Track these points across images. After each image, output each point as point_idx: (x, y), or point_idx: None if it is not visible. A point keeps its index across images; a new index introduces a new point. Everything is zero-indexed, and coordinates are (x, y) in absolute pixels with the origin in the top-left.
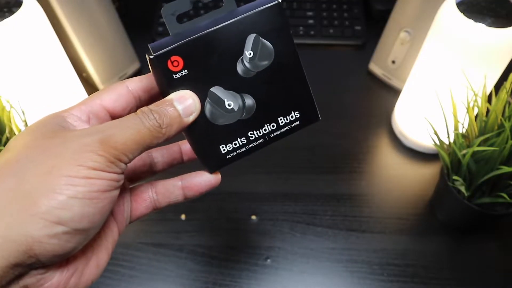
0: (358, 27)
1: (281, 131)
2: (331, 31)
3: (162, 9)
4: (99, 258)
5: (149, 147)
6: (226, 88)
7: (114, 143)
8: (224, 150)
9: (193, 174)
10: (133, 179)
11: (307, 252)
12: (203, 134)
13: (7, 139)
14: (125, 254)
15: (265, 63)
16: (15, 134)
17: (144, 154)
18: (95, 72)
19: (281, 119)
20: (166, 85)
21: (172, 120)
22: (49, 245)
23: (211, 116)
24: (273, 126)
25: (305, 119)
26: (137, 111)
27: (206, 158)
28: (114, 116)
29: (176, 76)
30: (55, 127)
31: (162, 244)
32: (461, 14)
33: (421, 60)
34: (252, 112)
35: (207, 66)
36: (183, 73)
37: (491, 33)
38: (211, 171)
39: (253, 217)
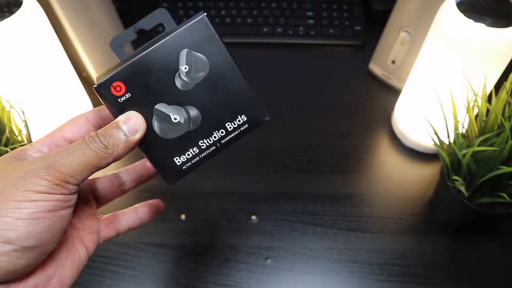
0: (358, 27)
1: (231, 136)
2: (331, 31)
3: (110, 43)
4: (63, 276)
5: (98, 168)
6: (169, 103)
7: (59, 167)
8: (179, 162)
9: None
10: (103, 200)
11: (307, 252)
12: (156, 149)
13: (7, 139)
14: (125, 254)
15: (202, 74)
16: (15, 134)
17: (111, 175)
18: (95, 72)
19: (228, 125)
20: (114, 109)
21: (117, 140)
22: (1, 263)
23: (160, 132)
24: (222, 132)
25: (253, 121)
26: (85, 136)
27: (164, 172)
28: None
29: (121, 100)
30: (11, 159)
31: (162, 244)
32: (461, 14)
33: (421, 60)
34: (198, 122)
35: (148, 86)
36: (127, 96)
37: (491, 33)
38: (171, 183)
39: (253, 217)
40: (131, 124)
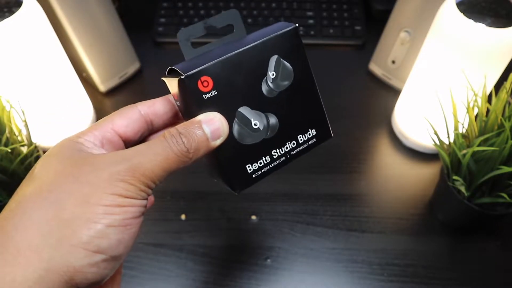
0: (358, 27)
1: (300, 148)
2: (331, 31)
3: (178, 34)
4: (115, 280)
5: (175, 171)
6: (252, 108)
7: (143, 171)
8: (250, 169)
9: None
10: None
11: (307, 252)
12: (230, 154)
13: (7, 139)
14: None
15: (286, 83)
16: (15, 134)
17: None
18: (95, 72)
19: (300, 137)
20: (196, 105)
21: (199, 144)
22: (90, 274)
23: (238, 136)
24: (293, 144)
25: (320, 136)
26: (165, 133)
27: (232, 179)
28: (126, 141)
29: (206, 97)
30: (79, 153)
31: (162, 244)
32: (461, 14)
33: (421, 60)
34: (275, 131)
35: (234, 86)
36: (213, 94)
37: (491, 33)
38: (238, 191)
39: (253, 217)
40: (215, 127)
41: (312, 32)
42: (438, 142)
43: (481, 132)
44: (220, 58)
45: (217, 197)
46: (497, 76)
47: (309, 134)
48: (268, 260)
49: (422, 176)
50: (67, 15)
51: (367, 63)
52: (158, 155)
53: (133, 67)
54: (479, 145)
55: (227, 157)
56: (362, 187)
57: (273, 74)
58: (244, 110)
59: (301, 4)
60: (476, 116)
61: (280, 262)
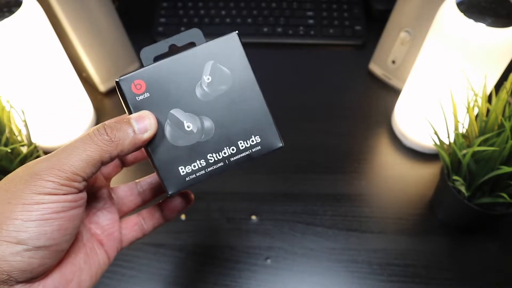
0: (358, 27)
1: (241, 155)
2: (331, 31)
3: (141, 52)
4: (81, 280)
5: (102, 162)
6: (185, 111)
7: (61, 166)
8: (183, 172)
9: (169, 199)
10: (124, 208)
11: (307, 252)
12: (163, 155)
13: (7, 139)
14: (125, 254)
15: (223, 87)
16: (14, 134)
17: (132, 184)
18: (95, 72)
19: (240, 143)
20: (129, 106)
21: (124, 135)
22: (15, 262)
23: (171, 138)
24: (232, 149)
25: (266, 145)
26: (91, 129)
27: (166, 179)
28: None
29: (138, 98)
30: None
31: (162, 244)
32: (461, 14)
33: (421, 60)
34: (211, 135)
35: (167, 90)
36: (145, 96)
37: (491, 33)
38: (170, 192)
39: (253, 217)
40: (143, 123)
41: (312, 32)
42: (438, 142)
43: (481, 132)
44: (155, 64)
45: (217, 197)
46: (497, 76)
47: (252, 141)
48: (268, 260)
49: (422, 176)
50: (67, 15)
51: (367, 63)
52: (77, 148)
53: (133, 67)
54: (479, 145)
55: (160, 158)
56: (362, 187)
57: (208, 79)
58: (176, 112)
59: (301, 4)
60: (476, 116)
61: (280, 262)
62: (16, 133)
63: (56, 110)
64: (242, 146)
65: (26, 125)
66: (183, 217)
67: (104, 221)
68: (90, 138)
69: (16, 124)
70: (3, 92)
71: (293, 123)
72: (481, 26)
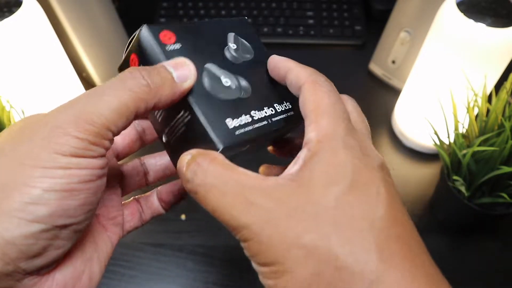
0: (358, 27)
1: (280, 117)
2: (331, 31)
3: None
4: (92, 272)
5: (137, 113)
6: (220, 67)
7: (89, 118)
8: (231, 124)
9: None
10: (127, 188)
11: None
12: (206, 106)
13: None
14: (125, 254)
15: (248, 56)
16: None
17: (136, 163)
18: (95, 72)
19: (276, 105)
20: (159, 54)
21: (163, 80)
22: (26, 247)
23: (211, 89)
24: (272, 110)
25: (297, 113)
26: (122, 72)
27: (214, 131)
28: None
29: (168, 48)
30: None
31: (162, 244)
32: (461, 14)
33: (421, 60)
34: (249, 93)
35: (198, 45)
36: (176, 47)
37: (491, 33)
38: (222, 145)
39: None
40: (181, 70)
41: (312, 32)
42: (438, 142)
43: (481, 132)
44: (180, 24)
45: None
46: (497, 76)
47: (285, 106)
48: None
49: (422, 176)
50: (67, 15)
51: (367, 63)
52: (105, 93)
53: None
54: (479, 145)
55: (204, 110)
56: None
57: (234, 46)
58: (211, 66)
59: (301, 4)
60: (476, 116)
61: None
62: None
63: None
64: (278, 108)
65: None
66: (183, 217)
67: (109, 202)
68: (122, 82)
69: None
70: (3, 92)
71: None
72: (481, 26)
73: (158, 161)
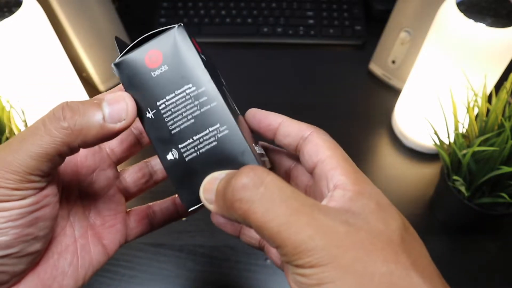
0: (358, 27)
1: None
2: (331, 31)
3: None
4: (62, 286)
5: (60, 155)
6: None
7: (8, 167)
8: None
9: None
10: (133, 192)
11: None
12: (238, 123)
13: (7, 139)
14: (125, 254)
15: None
16: (14, 134)
17: (141, 164)
18: (95, 72)
19: None
20: (195, 56)
21: (88, 123)
22: None
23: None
24: None
25: None
26: (51, 110)
27: (252, 152)
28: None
29: (201, 56)
30: None
31: (162, 244)
32: (461, 14)
33: (421, 60)
34: None
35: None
36: (203, 57)
37: (491, 33)
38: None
39: None
40: (116, 106)
41: (312, 32)
42: (438, 142)
43: (481, 132)
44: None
45: None
46: (497, 76)
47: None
48: (268, 260)
49: (422, 176)
50: (67, 15)
51: (367, 63)
52: (25, 140)
53: None
54: (479, 145)
55: (239, 127)
56: None
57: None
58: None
59: (301, 4)
60: (476, 116)
61: None
62: (16, 133)
63: None
64: None
65: (26, 125)
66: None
67: (105, 211)
68: (43, 126)
69: (16, 124)
70: (3, 92)
71: None
72: (481, 26)
73: None
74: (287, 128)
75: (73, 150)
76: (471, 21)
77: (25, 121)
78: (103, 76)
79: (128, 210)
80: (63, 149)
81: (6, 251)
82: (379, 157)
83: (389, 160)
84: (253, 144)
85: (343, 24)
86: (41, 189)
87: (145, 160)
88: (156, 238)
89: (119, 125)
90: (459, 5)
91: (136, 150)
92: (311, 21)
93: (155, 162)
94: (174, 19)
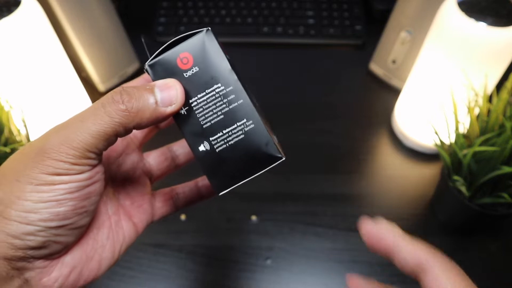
0: (358, 27)
1: None
2: (331, 31)
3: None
4: (102, 258)
5: (117, 135)
6: None
7: (70, 144)
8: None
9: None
10: (156, 175)
11: (307, 253)
12: (262, 118)
13: (6, 139)
14: (125, 254)
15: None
16: (14, 134)
17: (164, 149)
18: (95, 72)
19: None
20: (223, 58)
21: (144, 105)
22: (29, 241)
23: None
24: None
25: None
26: (109, 93)
27: (275, 143)
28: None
29: (227, 57)
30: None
31: (162, 244)
32: (462, 14)
33: (422, 60)
34: None
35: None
36: (228, 57)
37: (492, 32)
38: (283, 157)
39: (253, 217)
40: (167, 92)
41: (312, 32)
42: (438, 142)
43: (482, 132)
44: None
45: (217, 197)
46: (498, 76)
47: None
48: (268, 261)
49: (423, 176)
50: (67, 15)
51: (367, 63)
52: (86, 120)
53: (132, 67)
54: (480, 145)
55: (263, 121)
56: (362, 187)
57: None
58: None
59: (301, 4)
60: (477, 116)
61: (280, 262)
62: (15, 133)
63: (56, 110)
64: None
65: (25, 125)
66: (183, 217)
67: (133, 192)
68: (102, 107)
69: (15, 124)
70: (2, 92)
71: (292, 123)
72: (481, 26)
73: (185, 143)
74: (408, 256)
75: (127, 131)
76: (472, 20)
77: (24, 121)
78: (103, 76)
79: (153, 192)
80: (119, 130)
81: (63, 221)
82: (379, 157)
83: (389, 160)
84: (273, 135)
85: (343, 24)
86: (94, 166)
87: (167, 145)
88: (156, 238)
89: (169, 109)
90: (460, 4)
91: (153, 133)
92: (311, 21)
93: (176, 147)
94: (174, 19)
